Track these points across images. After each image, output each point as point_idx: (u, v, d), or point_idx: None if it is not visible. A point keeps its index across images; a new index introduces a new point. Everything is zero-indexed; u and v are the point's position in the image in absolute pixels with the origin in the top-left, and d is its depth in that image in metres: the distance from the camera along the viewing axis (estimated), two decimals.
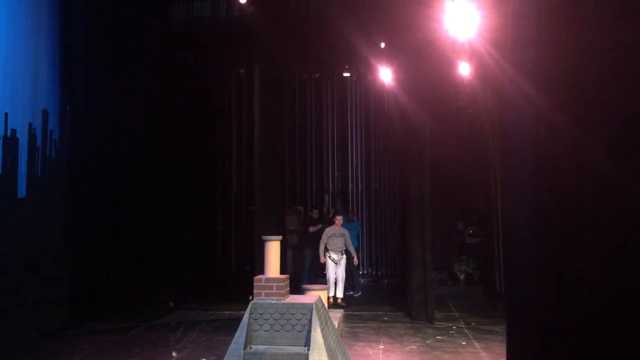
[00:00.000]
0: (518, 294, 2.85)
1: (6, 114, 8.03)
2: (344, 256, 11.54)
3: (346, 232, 11.54)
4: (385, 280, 15.23)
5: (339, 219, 11.65)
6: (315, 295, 7.03)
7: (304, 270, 12.62)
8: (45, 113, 8.93)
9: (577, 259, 2.29)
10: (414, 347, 8.06)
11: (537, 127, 2.57)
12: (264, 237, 6.75)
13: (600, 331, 2.26)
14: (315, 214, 13.14)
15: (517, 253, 2.86)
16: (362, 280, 14.38)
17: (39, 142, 8.78)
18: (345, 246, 11.43)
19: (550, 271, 2.39)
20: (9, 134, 8.09)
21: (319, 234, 12.04)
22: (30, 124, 8.58)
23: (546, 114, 2.46)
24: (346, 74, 15.92)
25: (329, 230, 11.51)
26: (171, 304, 11.06)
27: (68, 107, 9.49)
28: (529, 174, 2.69)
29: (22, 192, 8.38)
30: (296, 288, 7.93)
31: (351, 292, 12.68)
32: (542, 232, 2.51)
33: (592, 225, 2.26)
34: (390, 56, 11.83)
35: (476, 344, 8.21)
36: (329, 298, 10.35)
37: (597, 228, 2.25)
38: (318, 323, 6.02)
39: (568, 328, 2.33)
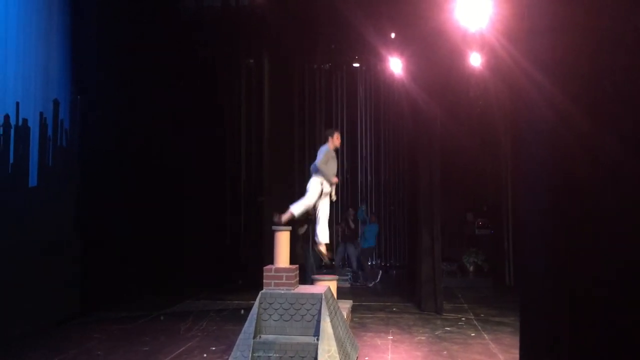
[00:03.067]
0: (531, 286, 2.84)
1: (17, 103, 8.06)
2: None
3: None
4: (394, 271, 15.25)
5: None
6: (324, 285, 7.05)
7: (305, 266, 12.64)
8: (56, 103, 8.96)
9: (591, 252, 2.27)
10: (422, 338, 8.06)
11: (550, 119, 2.54)
12: (274, 228, 6.77)
13: (615, 323, 2.24)
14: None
15: (530, 245, 2.84)
16: (380, 272, 14.29)
17: (49, 131, 8.81)
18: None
19: (563, 264, 2.37)
20: (20, 123, 8.13)
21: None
22: (41, 114, 8.62)
23: (560, 105, 2.43)
24: (356, 65, 15.86)
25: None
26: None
27: (79, 97, 9.52)
28: (542, 166, 2.67)
29: (33, 181, 8.43)
30: (302, 278, 7.95)
31: (367, 283, 12.85)
32: (556, 224, 2.49)
33: (606, 217, 2.24)
34: (400, 46, 11.76)
35: (485, 335, 8.20)
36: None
37: (611, 220, 2.23)
38: (327, 313, 6.03)
39: (582, 320, 2.32)
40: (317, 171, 7.73)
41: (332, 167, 7.84)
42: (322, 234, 7.95)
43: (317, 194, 7.71)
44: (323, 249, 7.98)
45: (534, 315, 2.86)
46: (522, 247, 3.26)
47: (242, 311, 9.02)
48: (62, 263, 9.06)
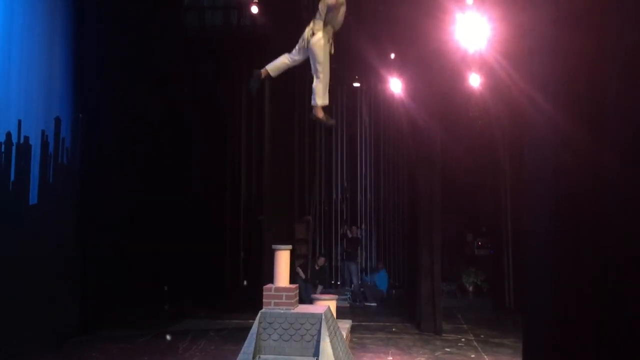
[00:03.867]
0: (534, 309, 2.83)
1: (19, 121, 8.10)
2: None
3: None
4: (394, 291, 15.16)
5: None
6: (324, 305, 7.02)
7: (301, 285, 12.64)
8: (57, 120, 9.00)
9: (596, 271, 2.27)
10: (422, 358, 8.01)
11: (551, 139, 2.56)
12: (274, 247, 6.75)
13: (620, 344, 2.24)
14: (321, 261, 13.41)
15: (534, 266, 2.84)
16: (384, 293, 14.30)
17: (51, 149, 8.83)
18: None
19: (568, 283, 2.37)
20: (22, 140, 8.15)
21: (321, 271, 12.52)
22: (43, 131, 8.65)
23: (561, 125, 2.45)
24: (356, 84, 15.94)
25: None
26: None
27: (80, 115, 9.57)
28: (544, 186, 2.67)
29: (33, 198, 8.43)
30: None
31: (366, 302, 12.85)
32: (560, 244, 2.49)
33: (611, 236, 2.24)
34: (400, 67, 11.85)
35: (485, 356, 8.15)
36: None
37: (616, 239, 2.23)
38: (327, 333, 6.00)
39: (587, 341, 2.31)
40: None
41: None
42: (319, 94, 6.53)
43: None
44: (319, 113, 6.61)
45: (536, 338, 2.85)
46: (525, 268, 3.24)
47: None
48: (62, 280, 9.02)
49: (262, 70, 6.65)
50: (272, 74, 6.70)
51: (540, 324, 2.79)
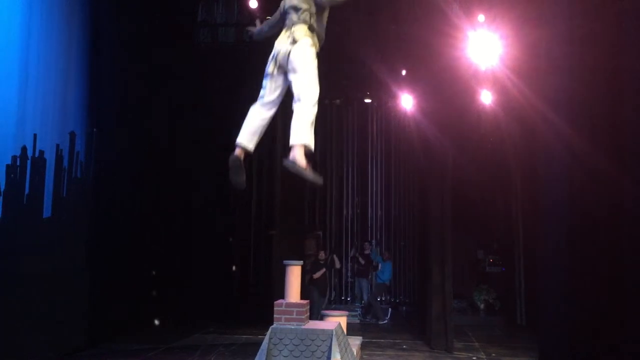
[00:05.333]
0: (549, 328, 2.81)
1: (35, 135, 8.20)
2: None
3: None
4: (404, 308, 15.06)
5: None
6: (335, 321, 6.99)
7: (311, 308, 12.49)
8: (72, 135, 9.10)
9: (611, 290, 2.26)
10: None
11: (566, 159, 2.56)
12: (285, 262, 6.74)
13: None
14: (321, 255, 13.19)
15: (547, 286, 2.82)
16: (389, 309, 14.24)
17: (65, 163, 8.92)
18: None
19: (584, 302, 2.36)
20: (37, 154, 8.25)
21: (322, 280, 12.39)
22: (57, 145, 8.75)
23: (576, 145, 2.46)
24: (367, 100, 15.98)
25: None
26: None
27: (94, 129, 9.67)
28: (559, 206, 2.67)
29: (47, 211, 8.50)
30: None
31: (379, 320, 12.77)
32: (576, 267, 2.48)
33: (626, 255, 2.23)
34: (411, 83, 11.88)
35: None
36: None
37: (631, 258, 2.22)
38: (338, 350, 5.97)
39: (603, 357, 2.29)
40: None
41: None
42: (303, 126, 4.57)
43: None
44: (301, 159, 4.56)
45: (551, 354, 2.83)
46: (539, 288, 3.23)
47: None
48: (73, 293, 9.05)
49: (237, 151, 4.72)
50: (251, 145, 4.76)
51: (555, 343, 2.78)
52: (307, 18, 4.51)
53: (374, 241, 15.09)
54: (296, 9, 4.54)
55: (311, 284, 12.62)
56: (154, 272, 11.10)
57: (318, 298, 12.25)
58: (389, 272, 13.80)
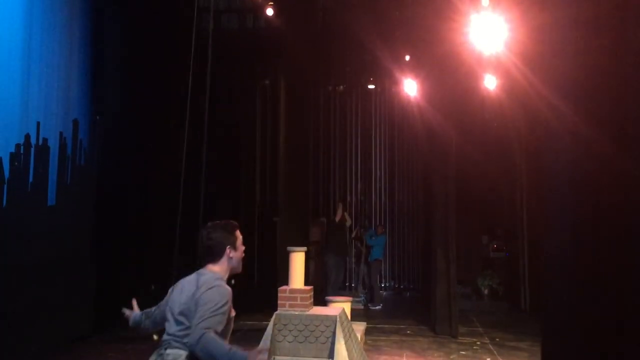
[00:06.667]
0: (555, 312, 2.79)
1: (38, 123, 8.20)
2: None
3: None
4: (408, 294, 15.12)
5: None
6: (339, 307, 7.01)
7: (327, 281, 12.61)
8: (75, 122, 9.10)
9: (617, 274, 2.24)
10: None
11: (572, 145, 2.53)
12: (289, 248, 6.76)
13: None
14: (339, 208, 13.32)
15: (553, 270, 2.81)
16: (383, 294, 14.35)
17: (69, 150, 8.93)
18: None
19: (589, 287, 2.34)
20: (40, 142, 8.25)
21: (342, 235, 12.35)
22: (61, 133, 8.75)
23: (582, 131, 2.43)
24: (371, 86, 15.94)
25: None
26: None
27: (98, 117, 9.67)
28: (565, 193, 2.64)
29: (52, 199, 8.53)
30: (317, 300, 7.91)
31: (370, 305, 12.72)
32: (581, 250, 2.46)
33: (632, 239, 2.21)
34: (415, 69, 11.82)
35: None
36: None
37: (637, 242, 2.20)
38: (342, 335, 6.00)
39: (608, 346, 2.28)
40: None
41: None
42: None
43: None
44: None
45: (556, 343, 2.83)
46: (543, 272, 3.21)
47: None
48: (78, 280, 9.10)
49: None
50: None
51: (559, 329, 2.77)
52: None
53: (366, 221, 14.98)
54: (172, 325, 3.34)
55: (328, 251, 12.70)
56: (159, 259, 11.14)
57: (335, 263, 12.36)
58: (381, 247, 13.54)
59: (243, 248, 3.53)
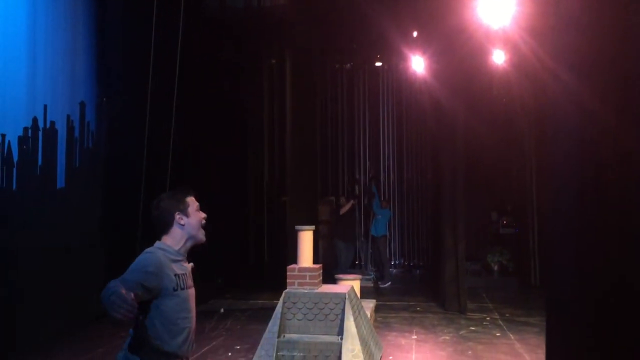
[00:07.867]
0: (558, 286, 2.80)
1: (45, 106, 8.22)
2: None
3: None
4: (418, 271, 15.19)
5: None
6: (348, 284, 7.06)
7: (337, 262, 12.67)
8: (82, 105, 9.11)
9: (620, 253, 2.23)
10: (447, 337, 8.02)
11: (578, 119, 2.50)
12: (297, 227, 6.78)
13: None
14: (343, 200, 13.29)
15: (557, 246, 2.80)
16: (393, 271, 14.42)
17: (76, 133, 8.96)
18: None
19: (591, 263, 2.34)
20: (48, 125, 8.28)
21: (350, 221, 12.35)
22: (68, 116, 8.77)
23: (588, 104, 2.40)
24: (378, 64, 15.82)
25: None
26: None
27: (104, 99, 9.67)
28: (570, 166, 2.62)
29: (61, 182, 8.58)
30: (327, 279, 7.95)
31: (380, 283, 12.75)
32: (584, 226, 2.45)
33: (636, 219, 2.20)
34: (422, 45, 11.71)
35: (511, 335, 8.14)
36: None
37: None
38: (351, 312, 6.04)
39: (610, 323, 2.28)
40: None
41: None
42: None
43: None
44: None
45: (560, 315, 2.83)
46: (549, 247, 3.20)
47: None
48: (89, 263, 9.19)
49: None
50: None
51: (563, 302, 2.78)
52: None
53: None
54: None
55: (336, 236, 12.78)
56: None
57: (345, 247, 12.47)
58: (386, 220, 13.34)
59: (202, 215, 3.31)
